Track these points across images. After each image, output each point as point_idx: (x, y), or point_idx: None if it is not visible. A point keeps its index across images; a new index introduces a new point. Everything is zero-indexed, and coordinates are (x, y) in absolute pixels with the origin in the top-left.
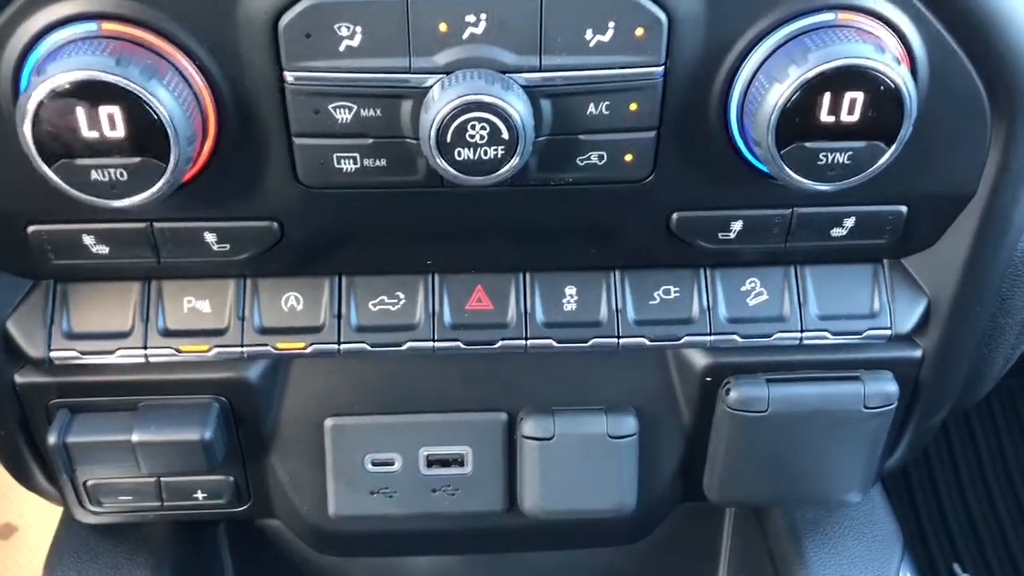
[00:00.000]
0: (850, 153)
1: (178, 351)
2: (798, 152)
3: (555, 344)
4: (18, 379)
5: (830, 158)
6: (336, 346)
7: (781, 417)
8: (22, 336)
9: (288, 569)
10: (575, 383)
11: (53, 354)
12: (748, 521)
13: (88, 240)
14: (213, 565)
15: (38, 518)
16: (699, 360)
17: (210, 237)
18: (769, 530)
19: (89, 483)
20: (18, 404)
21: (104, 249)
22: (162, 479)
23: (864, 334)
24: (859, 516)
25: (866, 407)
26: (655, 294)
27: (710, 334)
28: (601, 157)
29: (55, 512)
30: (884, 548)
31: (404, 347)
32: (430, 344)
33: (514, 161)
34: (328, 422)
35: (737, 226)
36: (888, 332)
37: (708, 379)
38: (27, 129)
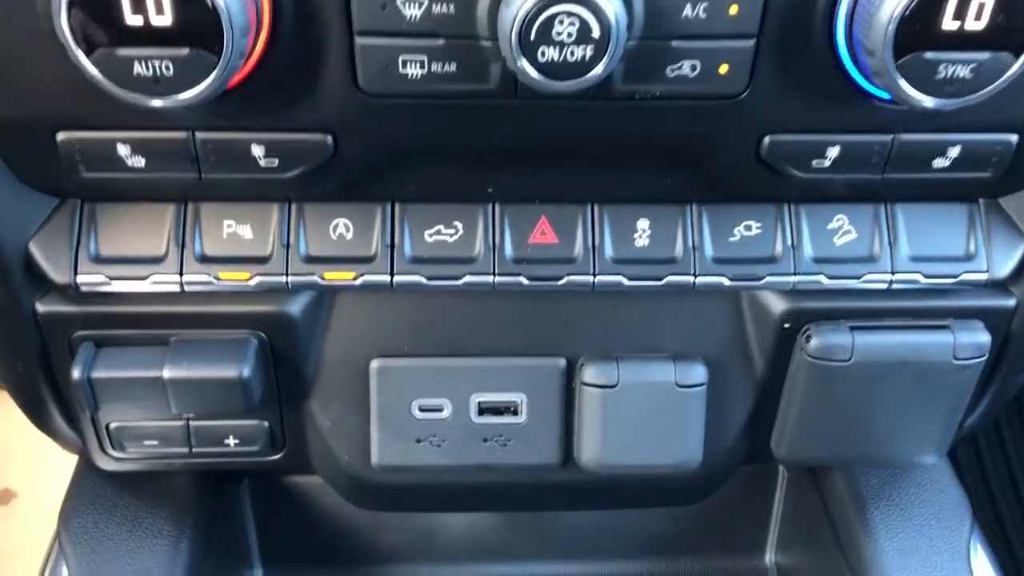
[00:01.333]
0: (973, 65)
1: (217, 279)
2: (916, 63)
3: (625, 281)
4: (40, 307)
5: (950, 71)
6: (388, 278)
7: (864, 367)
8: (46, 259)
9: (313, 527)
10: (639, 329)
11: (79, 279)
12: (803, 485)
13: (123, 150)
14: (236, 521)
15: (39, 484)
16: (777, 305)
17: (257, 150)
18: (829, 495)
19: (112, 426)
20: (39, 335)
21: (140, 161)
22: (191, 423)
23: (959, 278)
24: (926, 483)
25: (956, 359)
26: (735, 230)
27: (794, 274)
28: (694, 67)
29: (57, 478)
30: (953, 517)
31: (461, 281)
32: (490, 279)
33: (603, 63)
34: (374, 363)
35: (834, 152)
36: (984, 276)
37: (786, 325)
38: (63, 12)
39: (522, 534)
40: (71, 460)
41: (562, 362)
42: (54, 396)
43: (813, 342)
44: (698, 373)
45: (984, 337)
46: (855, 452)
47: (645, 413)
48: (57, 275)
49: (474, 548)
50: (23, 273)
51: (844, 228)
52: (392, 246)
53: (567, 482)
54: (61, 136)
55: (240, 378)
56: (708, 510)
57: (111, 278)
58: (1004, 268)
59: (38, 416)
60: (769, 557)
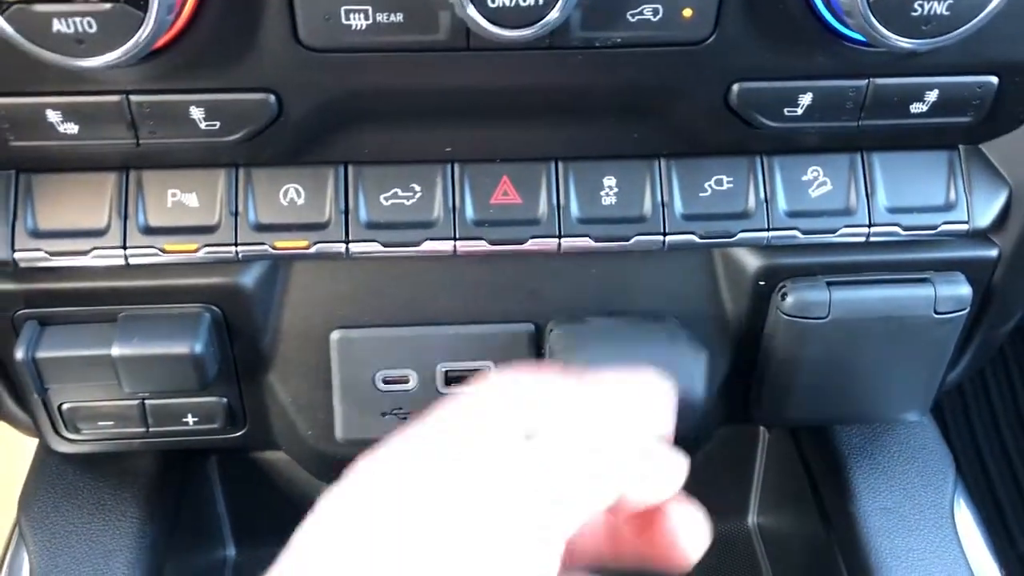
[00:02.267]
0: (950, 2)
1: (162, 251)
2: (890, 1)
3: (592, 242)
4: None
5: (926, 8)
6: (343, 245)
7: (842, 324)
8: None
9: (284, 502)
10: (608, 290)
11: (17, 255)
12: (783, 445)
13: (53, 116)
14: (205, 499)
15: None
16: (751, 261)
17: (197, 112)
18: (809, 456)
19: (65, 407)
20: None
21: (72, 128)
22: (147, 402)
23: (938, 229)
24: (908, 440)
25: (936, 312)
26: (706, 185)
27: (768, 229)
28: (656, 11)
29: (16, 463)
30: (936, 473)
31: (421, 246)
32: (451, 243)
33: (559, 8)
34: (334, 335)
35: (806, 100)
36: (965, 227)
37: (761, 283)
38: None
39: None
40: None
41: (530, 327)
42: (2, 378)
43: (789, 299)
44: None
45: (965, 289)
46: (835, 411)
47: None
48: None
49: None
50: None
51: (819, 180)
52: (346, 211)
53: None
54: None
55: (192, 354)
56: (690, 471)
57: (51, 253)
58: (985, 217)
59: None
60: (751, 519)
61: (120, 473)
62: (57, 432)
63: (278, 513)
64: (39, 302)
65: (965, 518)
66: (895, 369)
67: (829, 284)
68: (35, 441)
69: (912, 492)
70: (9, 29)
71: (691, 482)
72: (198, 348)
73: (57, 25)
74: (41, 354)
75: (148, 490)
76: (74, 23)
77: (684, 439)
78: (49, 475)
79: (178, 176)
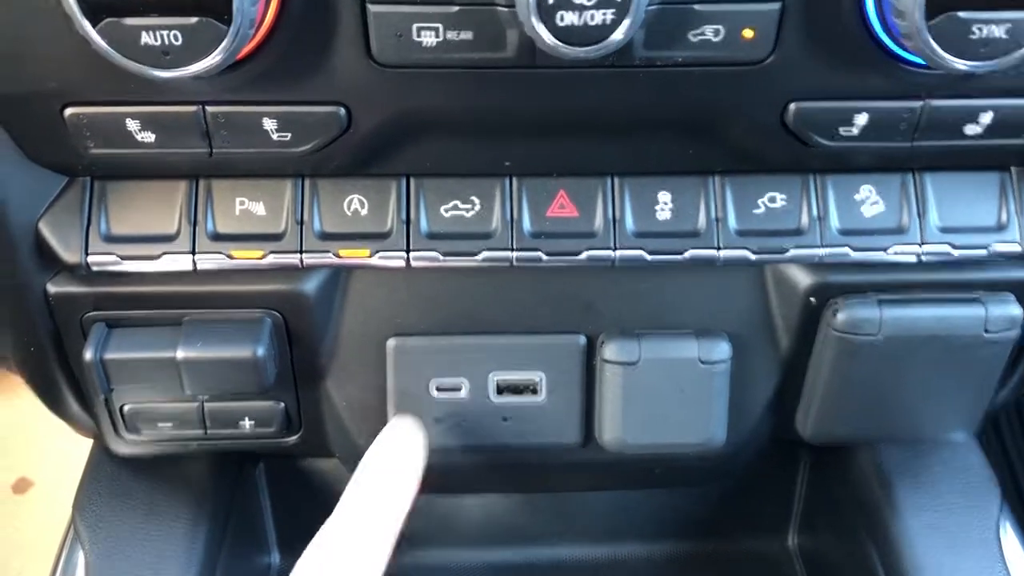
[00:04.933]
0: (1008, 25)
1: (230, 257)
2: (948, 24)
3: (647, 256)
4: (51, 288)
5: (984, 31)
6: (404, 254)
7: (893, 342)
8: (56, 238)
9: (329, 511)
10: (660, 304)
11: (90, 259)
12: (826, 465)
13: (132, 125)
14: (252, 506)
15: (55, 473)
16: (802, 279)
17: (269, 124)
18: (853, 475)
19: (127, 408)
20: (50, 317)
21: (150, 136)
22: (206, 404)
23: (990, 249)
24: (953, 460)
25: (987, 332)
26: (759, 202)
27: (820, 247)
28: (717, 32)
29: (73, 467)
30: (981, 494)
31: (479, 257)
32: (508, 254)
33: (624, 27)
34: (391, 342)
35: (861, 120)
36: (1017, 247)
37: (812, 300)
38: None
39: (541, 517)
40: (86, 446)
41: (582, 339)
42: (67, 379)
43: (840, 316)
44: (722, 350)
45: (1016, 310)
46: (883, 429)
47: (667, 391)
48: (67, 254)
49: (492, 532)
50: (33, 253)
51: (871, 199)
52: (408, 222)
53: (588, 462)
54: (69, 112)
55: (255, 358)
56: (729, 492)
57: (122, 257)
58: None
59: (52, 400)
60: (791, 539)
61: (173, 477)
62: (117, 433)
63: (323, 521)
64: (108, 305)
65: (1012, 540)
66: (944, 388)
67: (880, 302)
68: (88, 444)
69: (958, 512)
70: (101, 42)
71: (732, 501)
72: (260, 352)
73: (145, 38)
74: (109, 355)
75: (199, 495)
76: (161, 36)
77: (728, 458)
78: (104, 478)
79: (246, 185)
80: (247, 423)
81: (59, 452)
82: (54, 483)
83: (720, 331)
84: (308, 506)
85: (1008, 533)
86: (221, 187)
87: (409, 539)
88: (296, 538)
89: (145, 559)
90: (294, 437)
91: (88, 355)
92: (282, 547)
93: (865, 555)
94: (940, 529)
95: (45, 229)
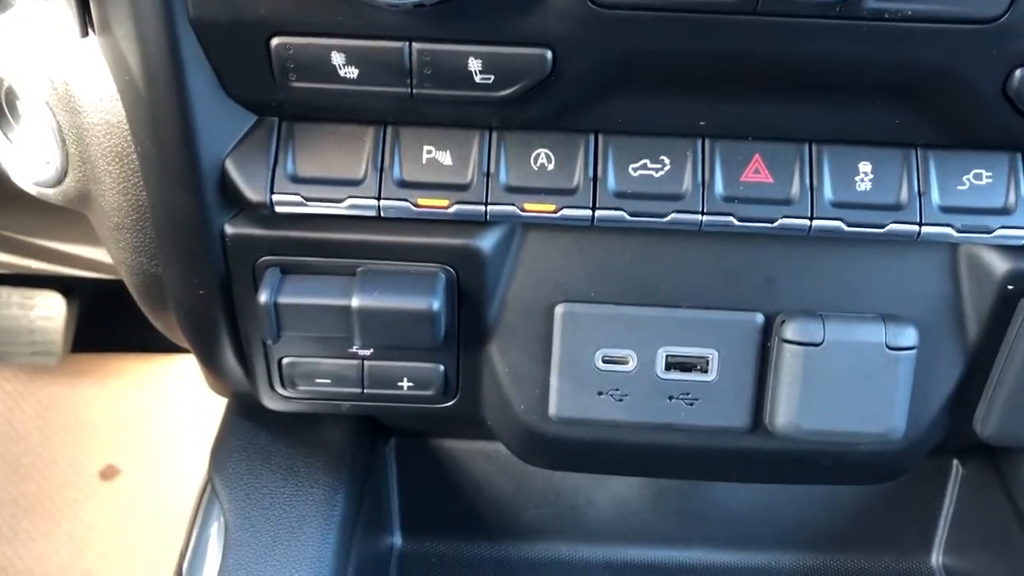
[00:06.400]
0: None
1: (415, 205)
2: None
3: (845, 227)
4: (228, 229)
5: None
6: (590, 212)
7: None
8: (242, 177)
9: (454, 495)
10: (843, 285)
11: (275, 197)
12: (981, 479)
13: (338, 59)
14: (381, 483)
15: (141, 459)
16: (1000, 264)
17: (474, 64)
18: (1017, 487)
19: (285, 362)
20: (224, 260)
21: (353, 72)
22: (366, 362)
23: None
24: None
25: None
26: (964, 178)
27: None
28: None
29: (160, 453)
30: None
31: (667, 219)
32: (698, 217)
33: None
34: (559, 308)
35: None
36: None
37: (1009, 287)
38: None
39: (670, 517)
40: (175, 436)
41: (760, 317)
42: (229, 326)
43: None
44: (910, 335)
45: None
46: None
47: (849, 376)
48: (253, 193)
49: (619, 529)
50: (217, 191)
51: None
52: (595, 179)
53: (754, 450)
54: (276, 41)
55: (430, 311)
56: (869, 502)
57: (307, 199)
58: None
59: (206, 349)
60: (936, 558)
61: (312, 442)
62: (272, 387)
63: (447, 506)
64: (283, 250)
65: None
66: None
67: None
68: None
69: None
70: None
71: (873, 514)
72: (435, 305)
73: None
74: (283, 300)
75: (338, 461)
76: None
77: (901, 455)
78: (241, 436)
79: (433, 134)
80: (405, 384)
81: (149, 440)
82: (141, 471)
83: (906, 315)
84: (433, 488)
85: None
86: (408, 135)
87: (530, 530)
88: (419, 521)
89: (284, 520)
90: (450, 401)
91: (263, 298)
92: (404, 529)
93: None
94: None
95: (232, 167)
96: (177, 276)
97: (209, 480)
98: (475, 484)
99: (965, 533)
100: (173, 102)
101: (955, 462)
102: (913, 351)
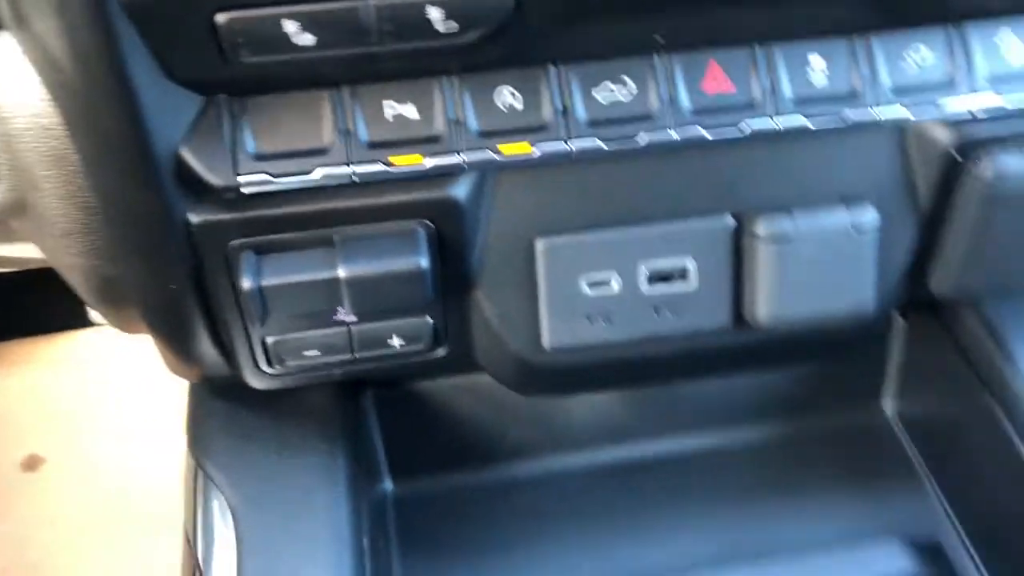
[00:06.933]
0: None
1: (389, 165)
2: None
3: (808, 122)
4: (193, 218)
5: None
6: (566, 145)
7: None
8: (201, 162)
9: (435, 433)
10: (803, 177)
11: (242, 179)
12: (923, 328)
13: (291, 27)
14: (366, 433)
15: (63, 445)
16: (945, 135)
17: (435, 13)
18: (963, 334)
19: (271, 340)
20: (191, 250)
21: (309, 39)
22: (353, 327)
23: None
24: None
25: None
26: (907, 56)
27: (968, 95)
28: None
29: (81, 437)
30: None
31: (641, 140)
32: (670, 134)
33: None
34: (539, 243)
35: None
36: None
37: (954, 156)
38: None
39: (642, 413)
40: (93, 418)
41: (730, 219)
42: (204, 316)
43: (986, 168)
44: (870, 216)
45: None
46: (1017, 281)
47: (820, 261)
48: (216, 178)
49: (597, 433)
50: (175, 181)
51: (1017, 47)
52: (565, 111)
53: (738, 344)
54: (222, 17)
55: (420, 270)
56: (820, 366)
57: (275, 176)
58: None
59: (179, 339)
60: (889, 408)
61: (295, 412)
62: (257, 367)
63: (430, 445)
64: (255, 230)
65: None
66: None
67: None
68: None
69: None
70: None
71: (819, 378)
72: (424, 263)
73: None
74: (267, 282)
75: (326, 426)
76: None
77: (869, 325)
78: (221, 417)
79: (392, 89)
80: (396, 341)
81: (67, 424)
82: (66, 457)
83: (864, 197)
84: (415, 430)
85: None
86: (367, 94)
87: (514, 451)
88: (405, 464)
89: (292, 494)
90: (441, 351)
91: (246, 284)
92: (393, 474)
93: (984, 412)
94: None
95: (189, 154)
96: (143, 275)
97: (198, 468)
98: (455, 418)
99: (913, 381)
100: (115, 96)
101: (895, 315)
102: (876, 229)
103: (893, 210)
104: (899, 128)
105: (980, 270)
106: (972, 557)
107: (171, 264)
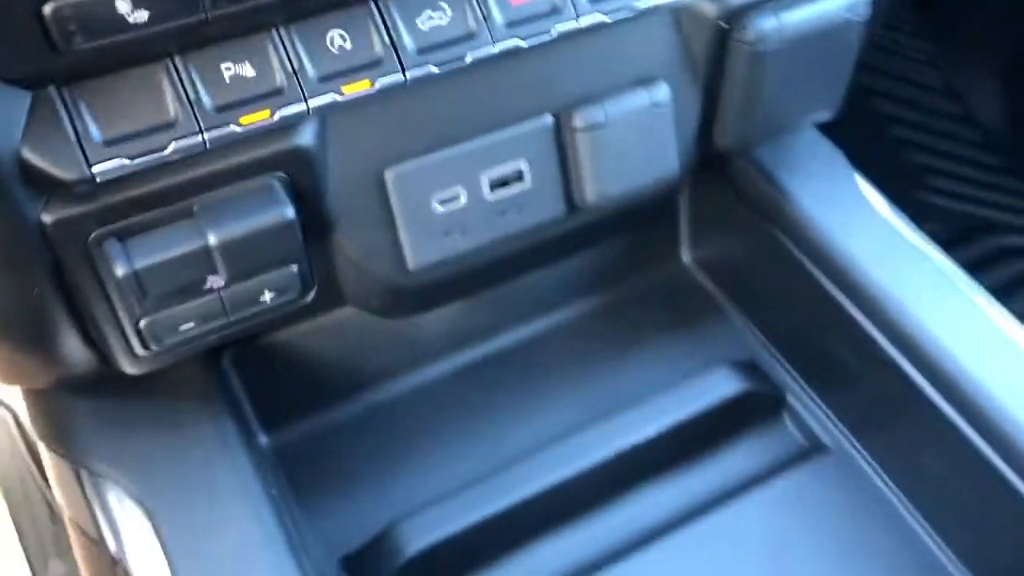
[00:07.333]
0: None
1: (240, 125)
2: None
3: (606, 18)
4: (46, 218)
5: None
6: (402, 76)
7: (792, 44)
8: (47, 160)
9: (297, 379)
10: (604, 67)
11: (96, 168)
12: (704, 180)
13: (123, 7)
14: (233, 394)
15: None
16: (710, 10)
17: None
18: (739, 177)
19: (143, 322)
20: (48, 250)
21: (142, 15)
22: (222, 292)
23: None
24: (812, 145)
25: (857, 16)
26: None
27: None
28: None
29: None
30: (833, 162)
31: (468, 59)
32: (491, 49)
33: None
34: (388, 173)
35: None
36: None
37: (721, 25)
38: None
39: (483, 313)
40: None
41: (549, 118)
42: (70, 313)
43: (748, 32)
44: (664, 91)
45: None
46: (783, 122)
47: (631, 140)
48: (67, 172)
49: (447, 340)
50: (22, 185)
51: None
52: (393, 44)
53: (573, 228)
54: (49, 7)
55: (287, 219)
56: (622, 238)
57: (130, 158)
58: None
59: (49, 343)
60: (686, 256)
61: (166, 391)
62: (132, 353)
63: (293, 390)
64: (112, 217)
65: (863, 184)
66: (819, 77)
67: (777, 12)
68: None
69: (823, 177)
70: None
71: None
72: (289, 213)
73: None
74: (140, 265)
75: (202, 396)
76: None
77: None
78: (89, 415)
79: (223, 51)
80: (267, 296)
81: None
82: None
83: (658, 76)
84: (276, 381)
85: (859, 179)
86: (199, 60)
87: (378, 376)
88: (275, 416)
89: (192, 471)
90: (310, 295)
91: (120, 271)
92: (266, 428)
93: (769, 240)
94: (824, 199)
95: (30, 153)
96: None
97: (79, 469)
98: (312, 359)
99: (704, 228)
100: None
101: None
102: (670, 102)
103: (681, 83)
104: (675, 10)
105: (753, 121)
106: (783, 365)
107: (30, 270)
